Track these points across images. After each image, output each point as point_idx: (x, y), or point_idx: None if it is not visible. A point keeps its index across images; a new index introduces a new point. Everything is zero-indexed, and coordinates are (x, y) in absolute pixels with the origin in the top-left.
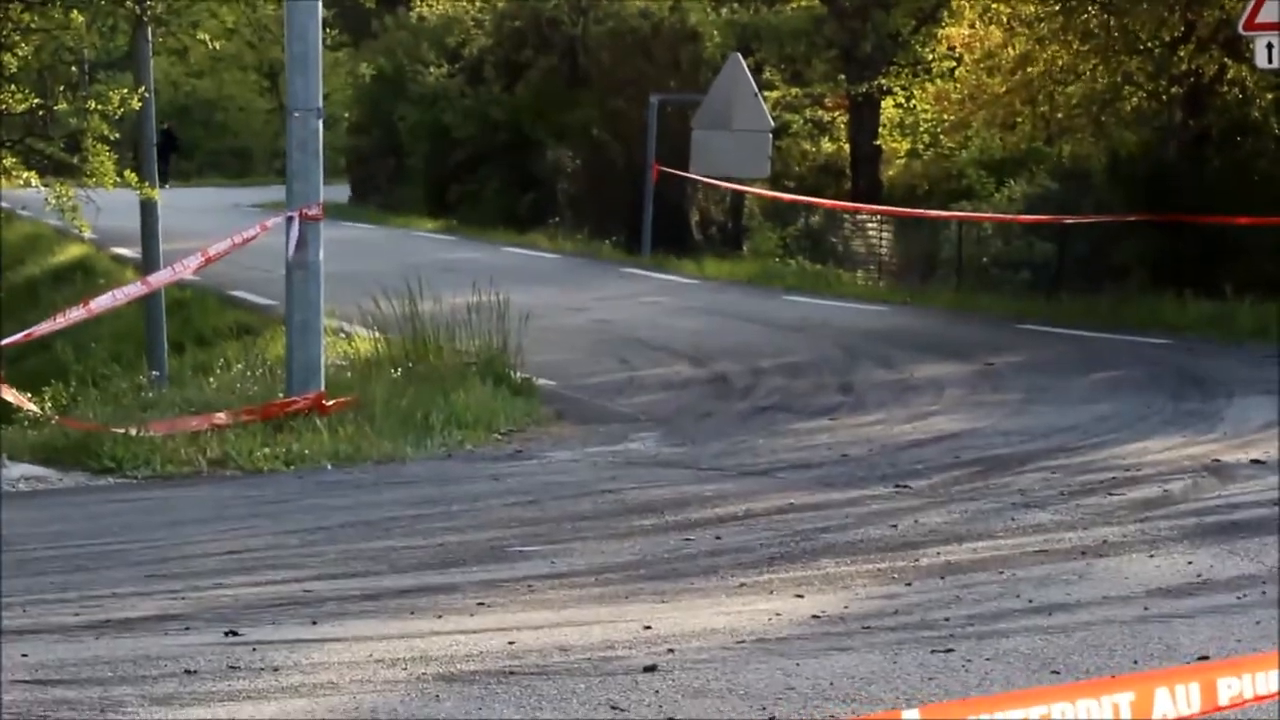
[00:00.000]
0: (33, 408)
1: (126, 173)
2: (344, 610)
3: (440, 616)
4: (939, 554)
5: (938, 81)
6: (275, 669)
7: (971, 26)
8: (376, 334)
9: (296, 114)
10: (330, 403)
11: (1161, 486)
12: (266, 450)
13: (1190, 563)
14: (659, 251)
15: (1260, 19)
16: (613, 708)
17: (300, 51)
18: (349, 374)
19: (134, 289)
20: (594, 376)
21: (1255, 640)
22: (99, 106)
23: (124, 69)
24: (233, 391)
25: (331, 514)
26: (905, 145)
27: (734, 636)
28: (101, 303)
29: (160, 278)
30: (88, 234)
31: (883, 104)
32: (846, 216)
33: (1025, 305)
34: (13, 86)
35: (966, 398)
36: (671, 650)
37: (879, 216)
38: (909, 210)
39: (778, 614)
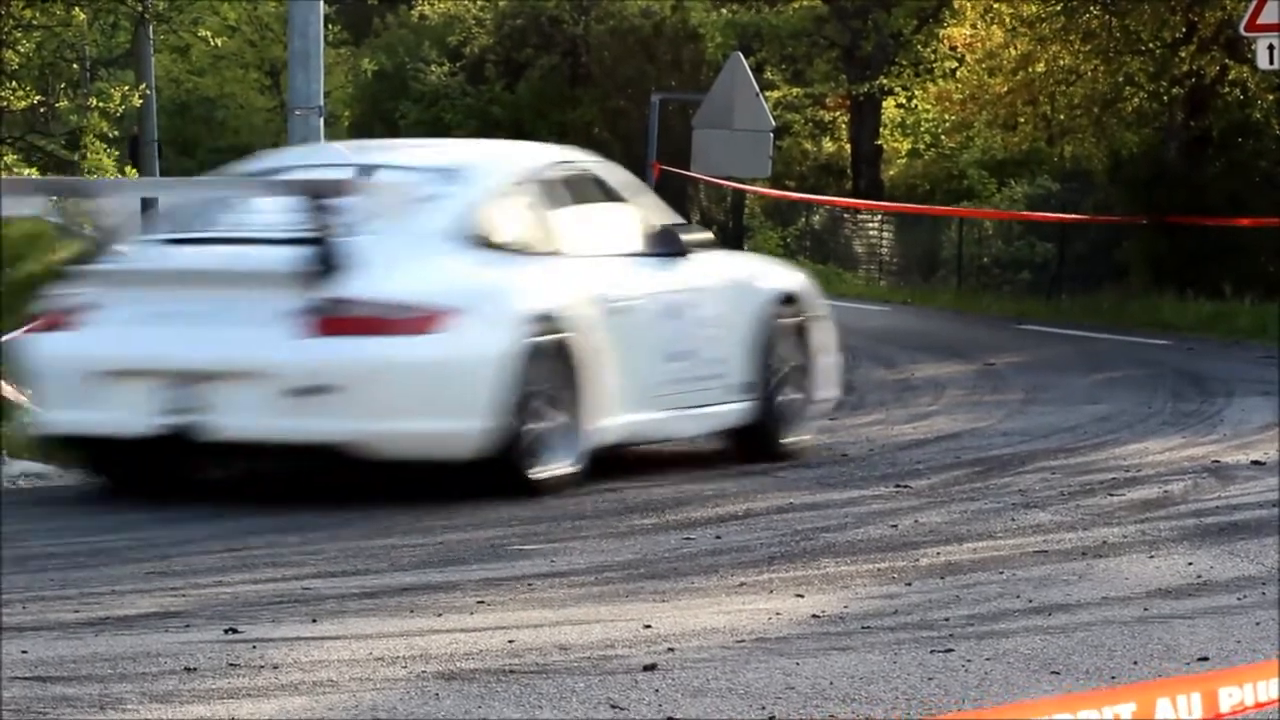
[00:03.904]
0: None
1: (128, 169)
2: (344, 608)
3: (440, 615)
4: (939, 554)
5: (939, 81)
6: (275, 667)
7: (973, 27)
8: None
9: (298, 111)
10: None
11: (1161, 487)
12: None
13: (1190, 564)
14: None
15: (1262, 20)
16: (612, 706)
17: (301, 48)
18: None
19: None
20: None
21: (1255, 641)
22: (100, 104)
23: (125, 66)
24: None
25: (330, 512)
26: (906, 145)
27: (734, 636)
28: None
29: None
30: (89, 231)
31: (884, 104)
32: (848, 216)
33: (1025, 305)
34: (14, 83)
35: (966, 398)
36: (671, 649)
37: (880, 216)
38: (910, 206)
39: (777, 613)
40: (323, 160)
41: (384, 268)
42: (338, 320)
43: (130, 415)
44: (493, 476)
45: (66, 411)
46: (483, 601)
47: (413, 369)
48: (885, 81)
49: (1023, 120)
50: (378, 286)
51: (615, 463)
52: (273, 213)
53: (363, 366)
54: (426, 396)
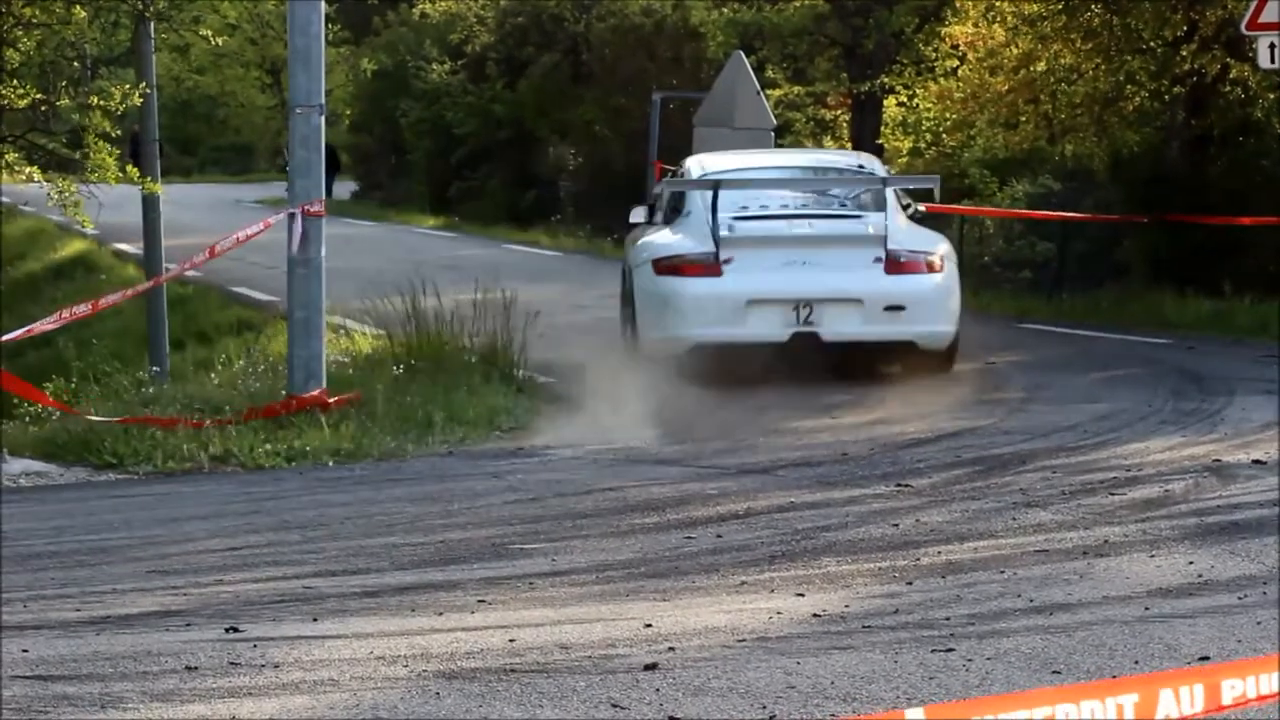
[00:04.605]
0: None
1: (129, 168)
2: (345, 607)
3: (441, 614)
4: (940, 553)
5: (940, 80)
6: (276, 666)
7: (974, 25)
8: (378, 330)
9: (299, 110)
10: (332, 399)
11: (1162, 486)
12: (268, 447)
13: (1191, 563)
14: None
15: (1263, 19)
16: (613, 705)
17: (303, 46)
18: (350, 371)
19: (139, 287)
20: (596, 373)
21: (1256, 640)
22: (101, 102)
23: (126, 65)
24: (234, 388)
25: (332, 510)
26: (908, 144)
27: (735, 635)
28: (108, 299)
29: (162, 274)
30: (90, 229)
31: (885, 102)
32: None
33: (1026, 304)
34: (14, 81)
35: (967, 396)
36: (672, 648)
37: None
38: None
39: (778, 612)
40: (773, 163)
41: (904, 232)
42: (898, 264)
43: (768, 328)
44: (944, 360)
45: (712, 330)
46: (483, 600)
47: (937, 293)
48: (886, 80)
49: (1024, 119)
50: (909, 242)
51: None
52: (837, 195)
53: (918, 293)
54: (942, 310)
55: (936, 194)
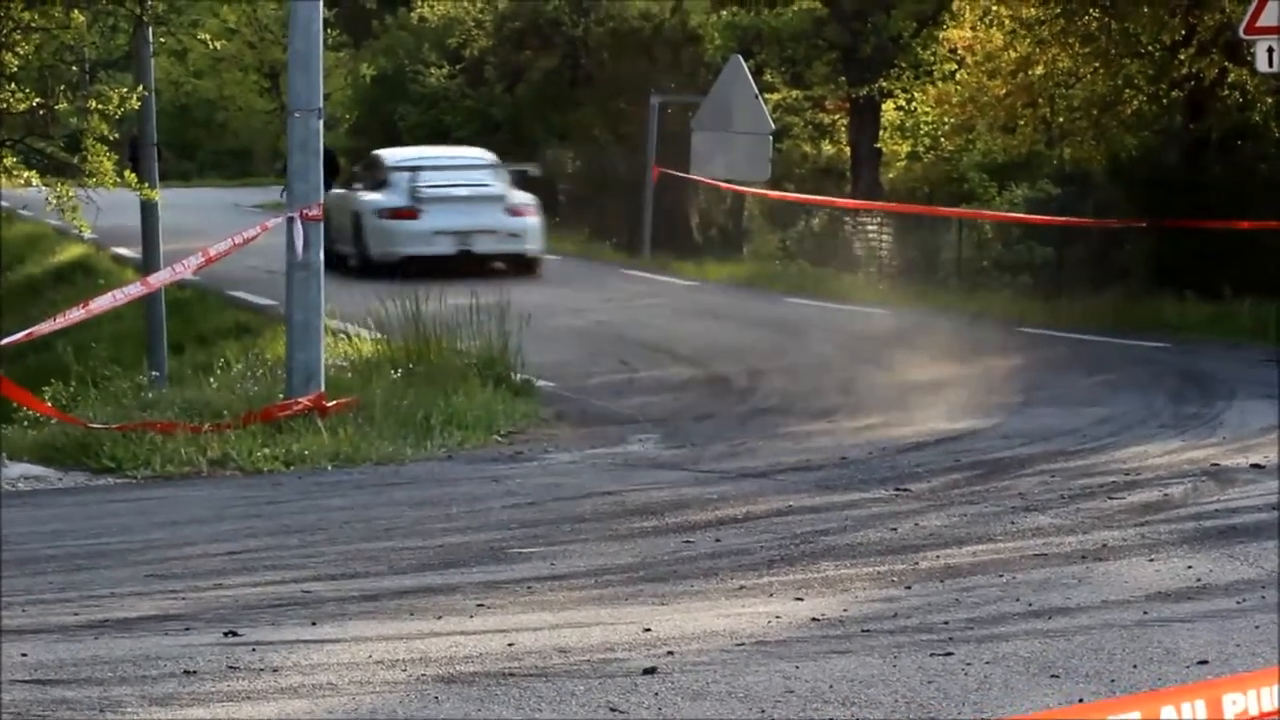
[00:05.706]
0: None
1: (126, 173)
2: (344, 611)
3: (440, 618)
4: (938, 557)
5: (939, 84)
6: (275, 669)
7: (972, 29)
8: (377, 335)
9: (297, 114)
10: (330, 403)
11: (1161, 490)
12: (266, 451)
13: (1190, 567)
14: (659, 253)
15: (1261, 23)
16: (612, 710)
17: (302, 49)
18: (349, 375)
19: (134, 289)
20: (594, 378)
21: (1255, 645)
22: (99, 106)
23: (124, 69)
24: (233, 392)
25: (331, 515)
26: (906, 148)
27: (733, 639)
28: (101, 303)
29: (160, 278)
30: (88, 234)
31: (883, 106)
32: (848, 219)
33: (1025, 307)
34: (13, 86)
35: (966, 400)
36: (671, 652)
37: (879, 219)
38: (909, 206)
39: (777, 617)
40: (443, 154)
41: (515, 194)
42: (515, 211)
43: (445, 247)
44: (534, 267)
45: (415, 248)
46: (482, 604)
47: (536, 227)
48: (885, 84)
49: (1022, 123)
50: (518, 200)
51: None
52: (478, 174)
53: (525, 227)
54: (538, 237)
55: (533, 173)
